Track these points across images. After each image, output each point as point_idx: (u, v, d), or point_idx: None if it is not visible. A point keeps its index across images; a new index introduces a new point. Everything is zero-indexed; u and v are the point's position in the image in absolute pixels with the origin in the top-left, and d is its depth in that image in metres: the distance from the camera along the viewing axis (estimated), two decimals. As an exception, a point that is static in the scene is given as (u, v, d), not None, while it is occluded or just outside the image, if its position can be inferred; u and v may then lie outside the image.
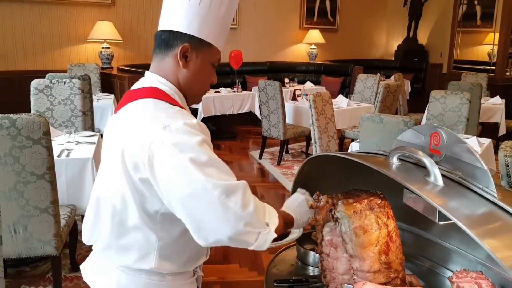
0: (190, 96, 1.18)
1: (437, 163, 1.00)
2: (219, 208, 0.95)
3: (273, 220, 1.05)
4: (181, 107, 1.09)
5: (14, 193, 2.13)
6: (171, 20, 1.11)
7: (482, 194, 0.89)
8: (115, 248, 1.11)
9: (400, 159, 1.08)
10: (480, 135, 5.14)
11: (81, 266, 1.24)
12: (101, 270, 1.17)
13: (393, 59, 9.64)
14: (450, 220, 0.86)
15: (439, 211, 0.91)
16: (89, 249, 1.25)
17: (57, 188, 2.23)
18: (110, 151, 1.11)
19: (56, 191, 2.22)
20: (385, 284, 1.13)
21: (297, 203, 1.24)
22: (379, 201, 1.14)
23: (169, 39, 1.11)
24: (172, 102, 1.09)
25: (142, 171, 1.01)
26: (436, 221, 0.94)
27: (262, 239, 1.01)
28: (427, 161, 0.97)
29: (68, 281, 2.66)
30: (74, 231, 2.71)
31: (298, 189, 1.31)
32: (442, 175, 0.95)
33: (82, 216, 2.51)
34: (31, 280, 2.68)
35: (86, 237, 1.19)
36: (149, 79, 1.14)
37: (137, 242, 1.09)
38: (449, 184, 0.94)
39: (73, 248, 2.78)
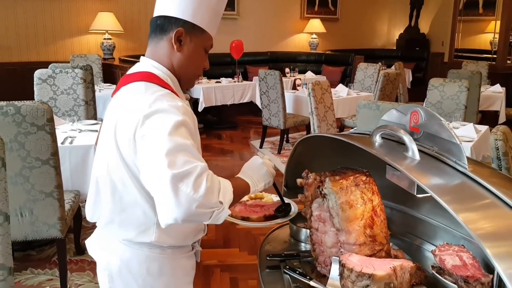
0: (184, 79, 1.24)
1: (416, 140, 1.06)
2: (171, 191, 0.97)
3: (227, 198, 1.07)
4: (172, 90, 1.15)
5: (20, 178, 2.21)
6: (166, 6, 1.17)
7: (455, 167, 0.95)
8: (117, 223, 1.18)
9: (382, 137, 1.14)
10: (480, 123, 5.17)
11: (86, 242, 1.32)
12: (105, 245, 1.24)
13: (395, 48, 9.64)
14: (427, 192, 0.92)
15: (417, 185, 0.97)
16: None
17: (61, 173, 2.31)
18: (105, 133, 1.19)
19: (60, 176, 2.30)
20: (370, 256, 1.19)
21: (255, 167, 1.26)
22: (364, 178, 1.21)
23: (164, 24, 1.17)
24: (164, 85, 1.15)
25: (131, 150, 1.08)
26: (415, 193, 1.00)
27: (216, 216, 1.04)
28: (406, 138, 1.03)
29: (73, 264, 2.75)
30: (78, 216, 2.79)
31: (258, 152, 1.32)
32: (420, 151, 1.01)
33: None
34: (37, 263, 2.77)
35: (89, 215, 1.27)
36: (144, 64, 1.21)
37: (137, 217, 1.16)
38: (425, 158, 1.00)
39: (77, 233, 2.87)
